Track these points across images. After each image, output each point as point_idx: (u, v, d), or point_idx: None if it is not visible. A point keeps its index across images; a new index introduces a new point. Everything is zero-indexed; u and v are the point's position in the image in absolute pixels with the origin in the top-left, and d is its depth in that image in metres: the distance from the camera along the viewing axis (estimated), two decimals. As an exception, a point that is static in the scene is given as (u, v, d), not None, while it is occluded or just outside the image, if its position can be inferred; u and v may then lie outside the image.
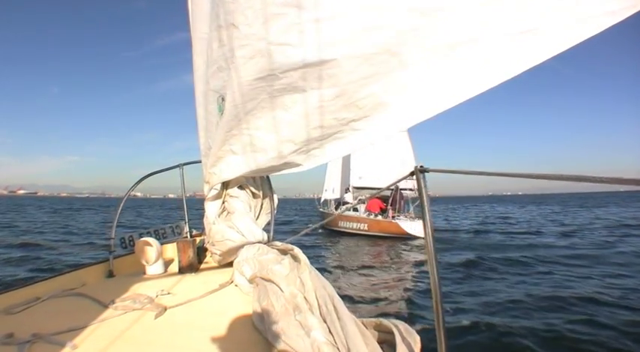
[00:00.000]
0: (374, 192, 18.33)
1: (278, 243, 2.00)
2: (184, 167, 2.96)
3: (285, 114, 1.86)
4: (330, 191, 22.51)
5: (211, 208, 2.50)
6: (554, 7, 1.16)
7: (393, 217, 15.90)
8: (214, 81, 2.14)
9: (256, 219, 2.54)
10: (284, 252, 1.83)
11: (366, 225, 16.29)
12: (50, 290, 2.00)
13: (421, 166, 1.20)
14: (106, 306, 1.79)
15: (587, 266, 8.61)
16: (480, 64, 1.36)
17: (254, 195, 2.59)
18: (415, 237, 14.76)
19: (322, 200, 22.86)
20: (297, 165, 2.01)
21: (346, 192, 20.17)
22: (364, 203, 17.29)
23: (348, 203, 18.88)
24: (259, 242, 2.26)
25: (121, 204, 2.80)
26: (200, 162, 2.62)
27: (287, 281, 1.55)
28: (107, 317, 1.66)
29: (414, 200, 16.55)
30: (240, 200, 2.48)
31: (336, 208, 20.15)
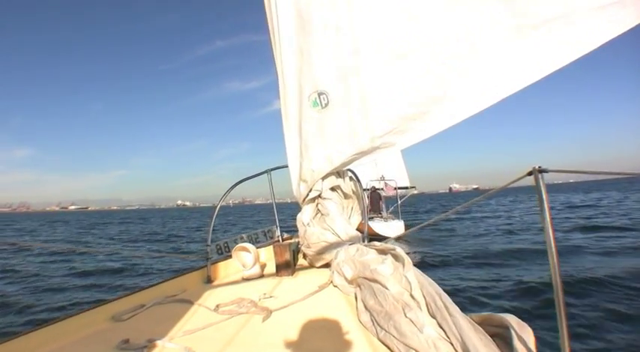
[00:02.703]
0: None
1: (377, 243, 2.01)
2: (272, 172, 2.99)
3: (385, 93, 2.05)
4: None
5: (306, 211, 2.59)
6: None
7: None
8: (320, 80, 2.35)
9: (349, 220, 2.57)
10: (383, 252, 1.85)
11: None
12: (153, 298, 2.05)
13: (539, 167, 1.11)
14: (211, 311, 1.84)
15: None
16: (565, 39, 1.50)
17: (345, 196, 2.62)
18: (385, 237, 14.65)
19: None
20: (392, 144, 2.17)
21: None
22: None
23: None
24: (355, 242, 2.30)
25: (215, 214, 2.88)
26: (286, 166, 2.67)
27: (393, 280, 1.56)
28: (214, 321, 1.69)
29: (389, 200, 16.87)
30: (333, 201, 2.52)
31: None
